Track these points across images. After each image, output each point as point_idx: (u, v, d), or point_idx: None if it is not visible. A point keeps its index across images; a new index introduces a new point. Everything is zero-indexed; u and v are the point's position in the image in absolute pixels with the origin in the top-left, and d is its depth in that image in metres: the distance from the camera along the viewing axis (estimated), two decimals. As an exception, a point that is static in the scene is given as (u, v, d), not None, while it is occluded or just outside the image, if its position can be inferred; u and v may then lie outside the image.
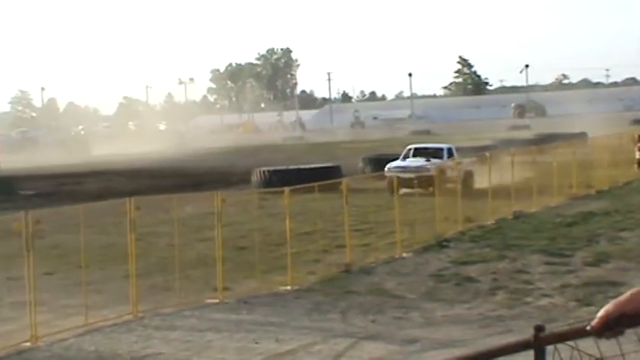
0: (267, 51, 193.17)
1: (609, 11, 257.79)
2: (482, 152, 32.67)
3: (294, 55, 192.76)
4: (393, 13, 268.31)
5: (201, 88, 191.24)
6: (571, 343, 2.77)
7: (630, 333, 2.75)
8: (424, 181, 25.58)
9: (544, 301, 15.02)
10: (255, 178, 37.07)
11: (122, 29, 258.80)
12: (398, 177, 28.91)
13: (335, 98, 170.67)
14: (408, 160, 32.72)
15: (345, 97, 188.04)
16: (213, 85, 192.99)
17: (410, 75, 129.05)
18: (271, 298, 16.08)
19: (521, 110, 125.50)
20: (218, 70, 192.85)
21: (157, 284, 17.22)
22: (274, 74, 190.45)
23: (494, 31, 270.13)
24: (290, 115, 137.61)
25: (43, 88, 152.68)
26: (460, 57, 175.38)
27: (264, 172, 37.00)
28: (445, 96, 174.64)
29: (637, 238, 20.47)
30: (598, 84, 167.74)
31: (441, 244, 20.66)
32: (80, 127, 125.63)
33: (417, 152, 33.56)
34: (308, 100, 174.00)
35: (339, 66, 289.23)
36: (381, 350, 12.57)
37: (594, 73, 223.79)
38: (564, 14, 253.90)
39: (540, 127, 79.18)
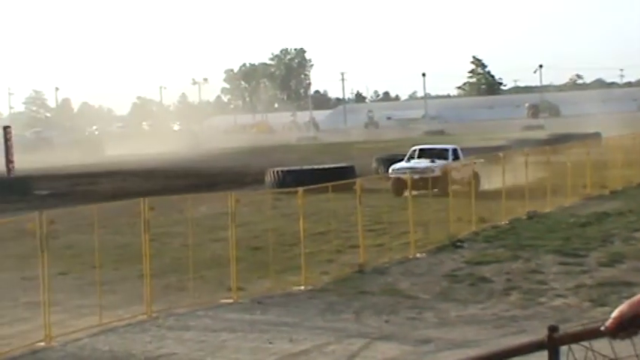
0: (281, 51, 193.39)
1: (624, 11, 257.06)
2: (495, 152, 32.55)
3: (307, 55, 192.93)
4: (406, 13, 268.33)
5: (214, 88, 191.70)
6: (585, 343, 2.77)
7: (644, 333, 2.75)
8: (429, 182, 25.33)
9: (558, 302, 14.99)
10: (268, 178, 37.10)
11: (136, 29, 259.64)
12: (402, 178, 28.85)
13: (349, 98, 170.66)
14: (412, 161, 32.56)
15: (359, 98, 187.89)
16: (227, 86, 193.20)
17: (424, 75, 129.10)
18: (285, 298, 16.09)
19: (535, 110, 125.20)
20: (232, 71, 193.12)
21: (171, 284, 17.26)
22: (288, 74, 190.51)
23: (508, 31, 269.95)
24: (304, 116, 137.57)
25: (57, 89, 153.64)
26: (474, 57, 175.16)
27: (277, 172, 37.03)
28: (459, 96, 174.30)
29: (652, 239, 20.40)
30: (612, 84, 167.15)
31: (455, 244, 20.63)
32: (94, 127, 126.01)
33: (422, 153, 33.42)
34: (322, 101, 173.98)
35: (353, 66, 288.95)
36: (395, 350, 12.56)
37: (608, 73, 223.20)
38: (578, 14, 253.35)
39: (554, 127, 78.98)
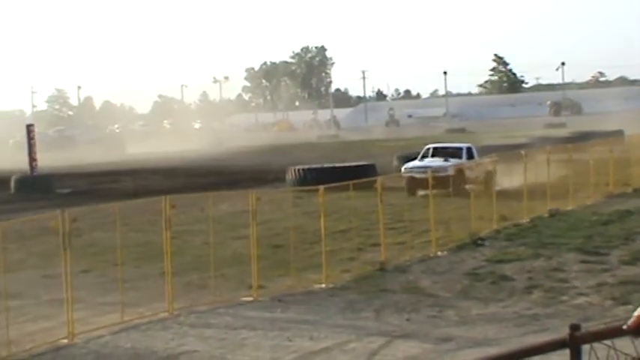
0: (302, 49, 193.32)
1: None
2: (517, 150, 32.42)
3: (328, 54, 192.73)
4: (427, 11, 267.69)
5: (236, 86, 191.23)
6: (607, 342, 2.76)
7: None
8: (442, 182, 25.11)
9: (580, 300, 14.93)
10: (290, 176, 37.13)
11: (157, 28, 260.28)
12: (415, 177, 28.68)
13: (369, 96, 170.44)
14: (426, 160, 32.23)
15: (380, 96, 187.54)
16: (248, 84, 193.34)
17: (445, 73, 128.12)
18: (306, 296, 16.11)
19: (557, 108, 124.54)
20: (253, 69, 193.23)
21: (193, 282, 17.31)
22: (309, 72, 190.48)
23: (530, 29, 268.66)
24: (325, 114, 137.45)
25: (79, 87, 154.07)
26: (495, 55, 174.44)
27: (299, 170, 37.05)
28: (480, 94, 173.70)
29: (674, 237, 20.27)
30: (635, 81, 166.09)
31: (476, 242, 20.59)
32: (116, 125, 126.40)
33: (436, 152, 33.15)
34: (342, 99, 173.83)
35: (374, 64, 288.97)
36: (416, 349, 12.55)
37: (631, 71, 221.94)
38: (601, 11, 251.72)
39: (576, 124, 78.64)
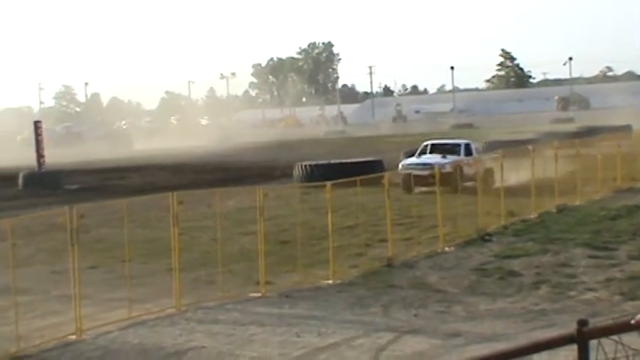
0: (309, 45, 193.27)
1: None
2: (524, 145, 32.35)
3: (335, 49, 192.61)
4: (435, 6, 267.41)
5: (242, 82, 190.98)
6: (615, 337, 2.76)
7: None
8: (440, 179, 24.95)
9: (588, 295, 14.92)
10: (297, 172, 37.14)
11: (164, 24, 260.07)
12: (412, 174, 28.44)
13: (377, 92, 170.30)
14: (424, 156, 31.91)
15: (387, 91, 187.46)
16: (255, 80, 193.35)
17: (452, 68, 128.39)
18: (313, 292, 16.11)
19: (564, 103, 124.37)
20: (260, 65, 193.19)
21: (200, 278, 17.33)
22: (316, 68, 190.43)
23: (538, 24, 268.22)
24: (332, 110, 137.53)
25: (86, 83, 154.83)
26: (503, 50, 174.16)
27: (306, 166, 37.06)
28: (488, 89, 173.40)
29: (683, 232, 20.23)
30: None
31: (484, 238, 20.58)
32: (123, 121, 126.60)
33: (434, 148, 32.85)
34: (349, 94, 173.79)
35: (381, 60, 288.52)
36: (424, 344, 12.55)
37: (639, 65, 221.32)
38: (609, 5, 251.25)
39: (584, 119, 78.51)
